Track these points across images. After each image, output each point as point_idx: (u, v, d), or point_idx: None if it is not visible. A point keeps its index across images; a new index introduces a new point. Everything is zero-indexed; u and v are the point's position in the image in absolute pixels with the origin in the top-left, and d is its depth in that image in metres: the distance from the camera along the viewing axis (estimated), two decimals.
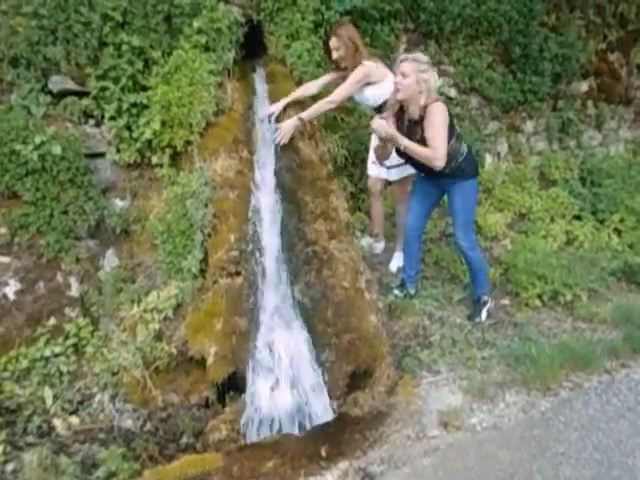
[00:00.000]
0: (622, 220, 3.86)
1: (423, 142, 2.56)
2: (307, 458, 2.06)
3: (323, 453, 2.08)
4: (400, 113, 2.71)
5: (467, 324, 2.90)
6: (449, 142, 2.57)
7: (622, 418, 2.03)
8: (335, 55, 3.03)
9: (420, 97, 2.53)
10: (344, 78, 3.02)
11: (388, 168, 3.17)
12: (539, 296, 3.02)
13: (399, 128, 2.68)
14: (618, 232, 3.79)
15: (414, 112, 2.60)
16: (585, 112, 4.75)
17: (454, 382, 2.38)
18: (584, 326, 2.82)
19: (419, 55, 2.59)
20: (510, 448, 1.90)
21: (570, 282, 3.02)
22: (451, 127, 2.62)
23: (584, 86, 4.67)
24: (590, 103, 4.78)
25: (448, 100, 4.10)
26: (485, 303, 2.94)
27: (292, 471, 2.00)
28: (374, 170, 3.29)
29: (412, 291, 3.10)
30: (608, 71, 4.70)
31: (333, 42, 3.00)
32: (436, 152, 2.50)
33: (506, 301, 3.14)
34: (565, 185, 4.20)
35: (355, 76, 2.92)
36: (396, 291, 3.11)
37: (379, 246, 3.54)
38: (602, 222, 3.90)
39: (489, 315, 2.94)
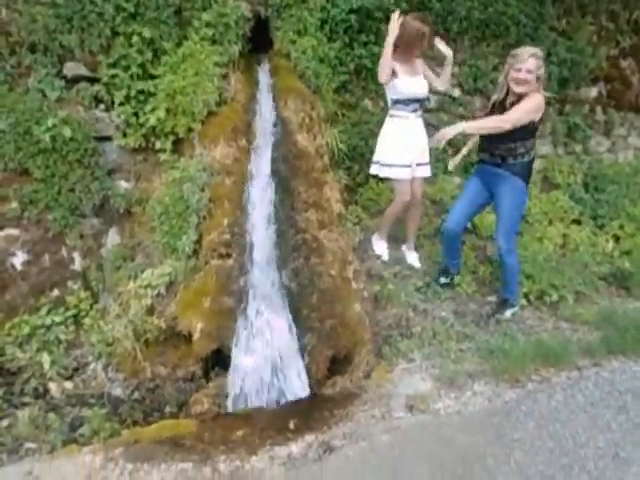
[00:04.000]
0: (622, 227, 3.84)
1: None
2: (275, 430, 2.16)
3: (291, 426, 2.18)
4: (504, 100, 2.79)
5: (450, 318, 2.95)
6: (530, 139, 2.73)
7: (583, 412, 2.07)
8: (424, 47, 3.04)
9: (532, 87, 2.65)
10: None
11: (425, 165, 3.21)
12: (525, 295, 3.04)
13: (495, 112, 2.80)
14: (616, 238, 3.77)
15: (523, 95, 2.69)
16: (593, 118, 4.71)
17: (426, 370, 2.44)
18: (565, 326, 2.84)
19: (538, 51, 2.68)
20: (468, 432, 1.96)
21: (557, 283, 3.03)
22: (537, 128, 2.75)
23: (593, 92, 4.64)
24: (599, 109, 4.75)
25: (451, 100, 4.16)
26: (512, 306, 3.00)
27: (259, 440, 2.10)
28: (402, 172, 3.15)
29: (455, 272, 3.24)
30: (619, 77, 4.65)
31: (429, 31, 2.98)
32: (506, 117, 2.62)
33: (493, 298, 3.18)
34: (567, 189, 4.18)
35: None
36: (442, 279, 3.21)
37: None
38: (601, 227, 3.88)
39: (514, 315, 2.99)
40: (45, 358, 2.78)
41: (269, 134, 3.15)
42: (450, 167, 3.24)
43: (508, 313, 2.97)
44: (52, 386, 2.75)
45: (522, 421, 2.01)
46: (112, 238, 3.24)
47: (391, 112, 3.15)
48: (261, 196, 2.98)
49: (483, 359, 2.46)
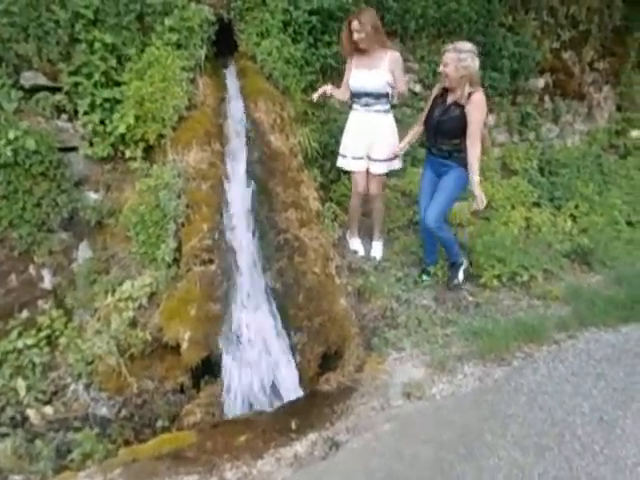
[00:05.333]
0: (577, 206, 4.12)
1: (458, 120, 2.81)
2: (278, 431, 2.16)
3: (293, 426, 2.19)
4: (443, 93, 2.95)
5: (432, 305, 3.06)
6: None
7: (566, 382, 2.22)
8: (357, 36, 3.04)
9: (462, 82, 2.75)
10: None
11: (378, 161, 3.27)
12: (498, 277, 3.20)
13: (436, 105, 2.98)
14: (573, 218, 4.04)
15: (459, 96, 2.81)
16: (543, 106, 5.02)
17: (417, 357, 2.52)
18: (538, 303, 3.02)
19: (460, 44, 2.78)
20: (464, 413, 2.05)
21: (527, 264, 3.22)
22: None
23: (541, 82, 4.94)
24: (547, 98, 5.06)
25: (413, 95, 4.29)
26: (460, 264, 3.20)
27: (263, 444, 2.10)
28: (353, 164, 3.30)
29: (433, 268, 3.35)
30: (562, 68, 4.98)
31: (355, 25, 3.01)
32: (476, 145, 2.79)
33: (468, 285, 3.32)
34: (525, 174, 4.44)
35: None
36: (424, 277, 3.31)
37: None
38: (559, 208, 4.15)
39: (465, 277, 3.21)
40: (20, 384, 2.64)
41: (242, 136, 3.13)
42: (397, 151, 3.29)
43: (460, 273, 3.19)
44: (31, 413, 2.61)
45: (513, 396, 2.13)
46: (83, 252, 3.11)
47: (350, 104, 3.32)
48: (239, 199, 2.97)
49: (469, 341, 2.58)
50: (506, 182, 4.31)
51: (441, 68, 2.82)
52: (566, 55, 5.04)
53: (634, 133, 5.39)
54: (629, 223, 4.02)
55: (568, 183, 4.32)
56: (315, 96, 3.26)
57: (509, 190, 4.18)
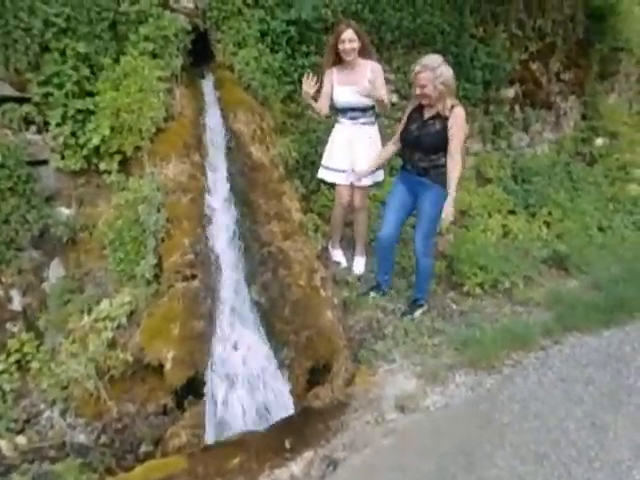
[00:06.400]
0: (550, 213, 4.25)
1: (438, 134, 2.72)
2: (272, 452, 2.10)
3: (287, 445, 2.12)
4: (419, 108, 2.86)
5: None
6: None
7: (556, 388, 2.25)
8: (349, 46, 3.00)
9: (442, 96, 2.67)
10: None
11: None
12: (480, 285, 3.24)
13: (413, 121, 2.88)
14: (547, 224, 4.16)
15: (441, 109, 2.72)
16: (513, 116, 5.18)
17: (408, 368, 2.51)
18: (521, 310, 3.07)
19: (429, 59, 2.67)
20: (460, 423, 2.05)
21: (507, 271, 3.28)
22: None
23: (511, 92, 5.10)
24: (517, 108, 5.23)
25: (391, 105, 4.32)
26: (420, 306, 3.08)
27: (258, 465, 2.03)
28: (336, 176, 3.27)
29: (386, 287, 3.25)
30: (531, 79, 5.18)
31: (349, 34, 2.98)
32: (457, 162, 2.68)
33: (451, 293, 3.35)
34: (499, 183, 4.55)
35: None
36: (372, 293, 3.19)
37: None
38: (533, 215, 4.27)
39: (423, 314, 3.07)
40: None
41: (222, 148, 3.07)
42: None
43: (418, 313, 3.05)
44: (2, 443, 2.45)
45: (506, 405, 2.14)
46: (55, 271, 2.95)
47: (336, 117, 3.29)
48: (221, 211, 2.90)
49: (458, 351, 2.58)
50: (482, 190, 4.40)
51: (418, 91, 2.70)
52: (534, 66, 5.23)
53: (599, 141, 5.65)
54: (600, 229, 4.18)
55: (541, 190, 4.46)
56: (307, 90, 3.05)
57: (485, 198, 4.27)
